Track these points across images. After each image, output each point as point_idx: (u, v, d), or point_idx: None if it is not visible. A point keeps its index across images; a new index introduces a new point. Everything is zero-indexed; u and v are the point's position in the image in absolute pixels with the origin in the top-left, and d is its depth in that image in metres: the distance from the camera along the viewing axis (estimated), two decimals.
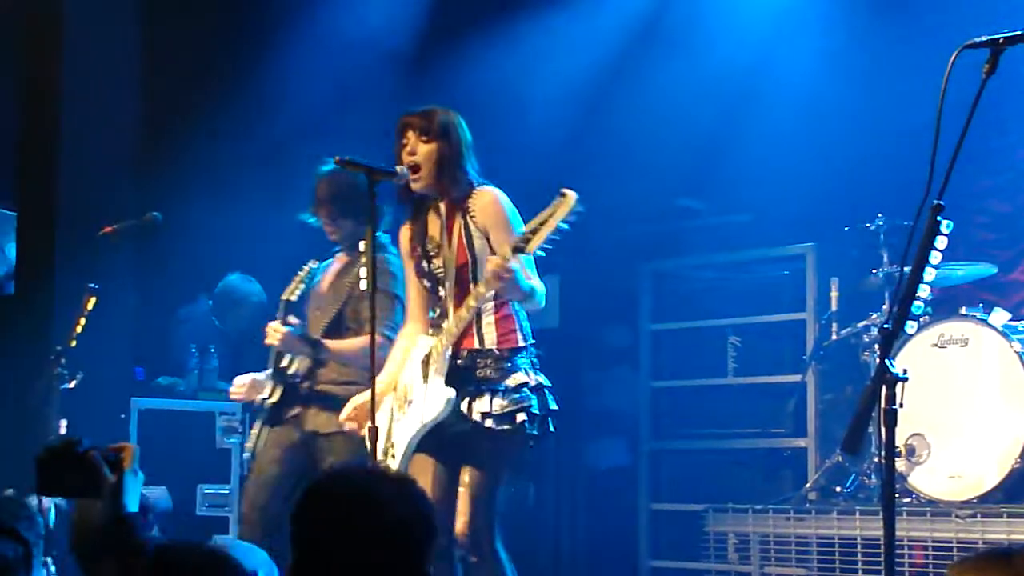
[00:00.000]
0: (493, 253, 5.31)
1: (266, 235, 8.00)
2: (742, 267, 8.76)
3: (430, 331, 5.54)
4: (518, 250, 5.02)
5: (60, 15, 8.02)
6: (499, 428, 5.30)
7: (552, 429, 5.42)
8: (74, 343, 6.68)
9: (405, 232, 5.69)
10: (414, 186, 5.51)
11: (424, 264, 5.55)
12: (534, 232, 4.99)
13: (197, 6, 8.84)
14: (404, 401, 5.47)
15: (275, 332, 6.25)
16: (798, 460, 8.14)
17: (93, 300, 6.72)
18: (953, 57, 3.73)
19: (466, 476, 5.34)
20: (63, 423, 6.61)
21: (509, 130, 8.20)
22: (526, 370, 5.42)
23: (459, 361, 5.37)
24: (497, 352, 5.40)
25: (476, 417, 5.29)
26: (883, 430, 3.69)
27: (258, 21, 8.76)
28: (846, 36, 8.56)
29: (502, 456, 5.39)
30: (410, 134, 5.50)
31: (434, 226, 5.56)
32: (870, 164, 8.32)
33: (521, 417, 5.32)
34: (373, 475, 2.76)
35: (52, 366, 6.64)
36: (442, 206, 5.53)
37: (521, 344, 5.45)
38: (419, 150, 5.47)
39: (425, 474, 5.37)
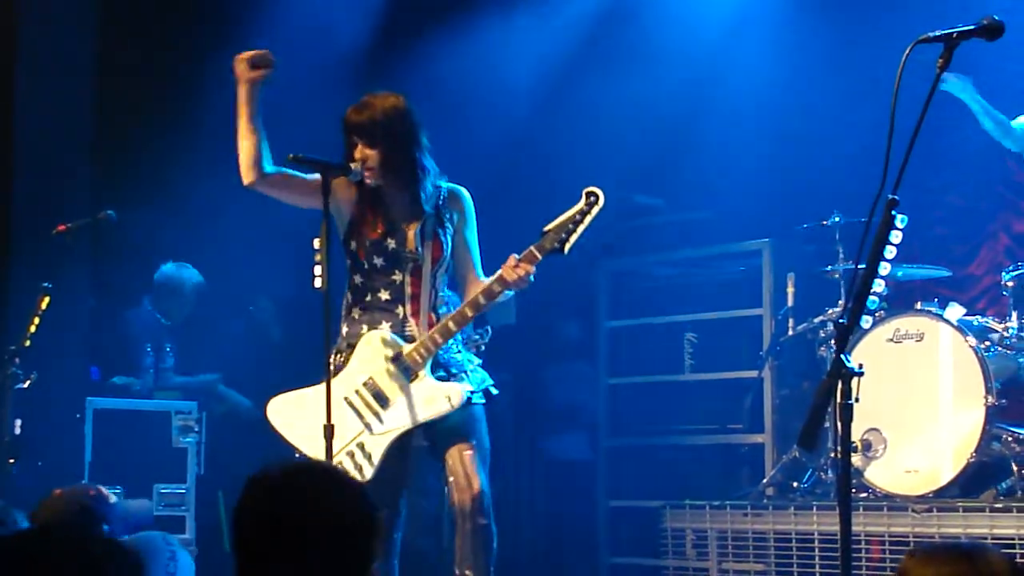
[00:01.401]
0: (456, 249, 5.43)
1: (221, 232, 7.96)
2: (699, 263, 8.77)
3: (380, 316, 5.47)
4: (553, 252, 5.12)
5: (13, 15, 7.94)
6: (479, 402, 5.47)
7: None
8: (28, 343, 6.62)
9: (349, 190, 5.57)
10: (369, 183, 5.48)
11: (386, 242, 5.49)
12: (568, 232, 5.09)
13: (151, 4, 8.78)
14: (376, 402, 5.41)
15: None
16: (755, 456, 8.16)
17: (47, 299, 6.66)
18: (907, 52, 3.73)
19: (467, 448, 5.37)
20: (18, 423, 6.55)
21: (465, 126, 8.19)
22: (481, 365, 5.62)
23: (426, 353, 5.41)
24: (460, 348, 5.57)
25: (459, 402, 5.37)
26: (839, 425, 3.69)
27: (212, 18, 8.70)
28: (800, 34, 8.59)
29: (484, 424, 5.47)
30: (354, 139, 5.47)
31: (399, 211, 5.50)
32: (826, 161, 8.35)
33: (494, 391, 5.54)
34: (312, 472, 2.68)
35: (6, 366, 6.58)
36: (407, 197, 5.49)
37: (476, 336, 5.62)
38: (366, 154, 5.43)
39: (401, 462, 5.41)
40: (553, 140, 8.98)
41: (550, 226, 5.20)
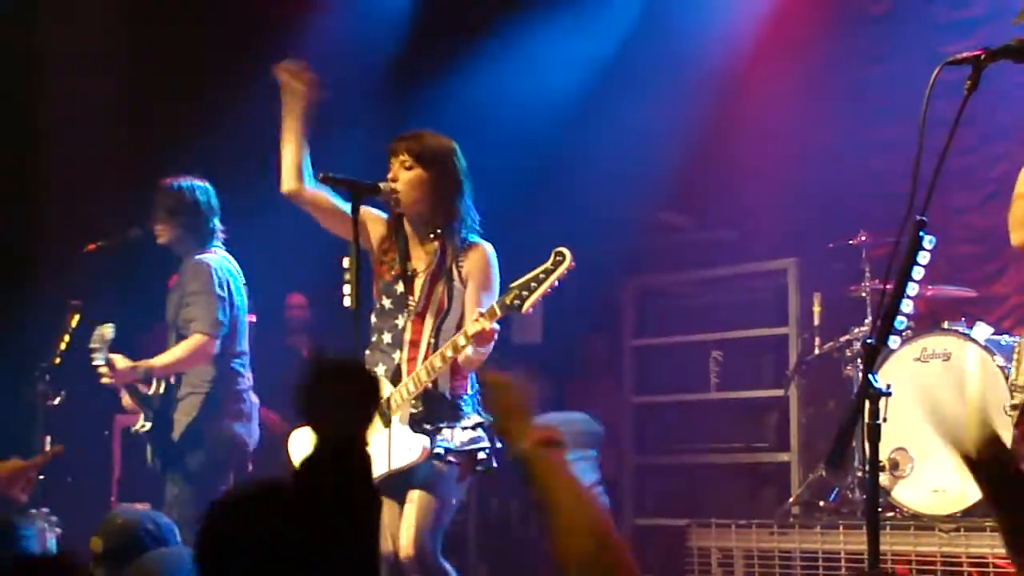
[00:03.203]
0: (464, 306, 5.37)
1: (252, 249, 8.00)
2: (725, 282, 8.77)
3: (379, 358, 5.46)
4: (511, 309, 5.04)
5: (43, 39, 8.03)
6: (457, 461, 5.37)
7: (495, 465, 5.47)
8: (58, 360, 6.66)
9: (380, 225, 5.61)
10: (396, 209, 5.49)
11: (396, 285, 5.50)
12: (529, 291, 5.02)
13: (183, 25, 8.85)
14: None
15: (105, 372, 6.38)
16: (781, 475, 8.15)
17: (77, 317, 6.71)
18: (935, 73, 3.75)
19: (414, 497, 5.33)
20: (47, 440, 6.59)
21: (491, 144, 8.21)
22: (477, 411, 5.46)
23: (413, 402, 5.34)
24: (449, 398, 5.42)
25: (438, 450, 5.32)
26: (866, 445, 3.70)
27: (250, 42, 8.78)
28: (829, 51, 8.60)
29: (452, 483, 5.40)
30: (393, 160, 5.49)
31: (418, 255, 5.50)
32: (853, 180, 8.35)
33: (481, 455, 5.41)
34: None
35: (36, 383, 6.62)
36: (433, 244, 5.48)
37: (470, 391, 5.48)
38: (400, 176, 5.45)
39: (386, 513, 5.35)
40: (580, 158, 9.00)
41: (516, 283, 5.13)
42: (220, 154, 8.29)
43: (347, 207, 5.36)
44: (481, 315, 5.09)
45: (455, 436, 5.36)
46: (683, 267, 8.97)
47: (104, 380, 6.32)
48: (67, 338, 6.68)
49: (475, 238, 5.46)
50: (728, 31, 8.78)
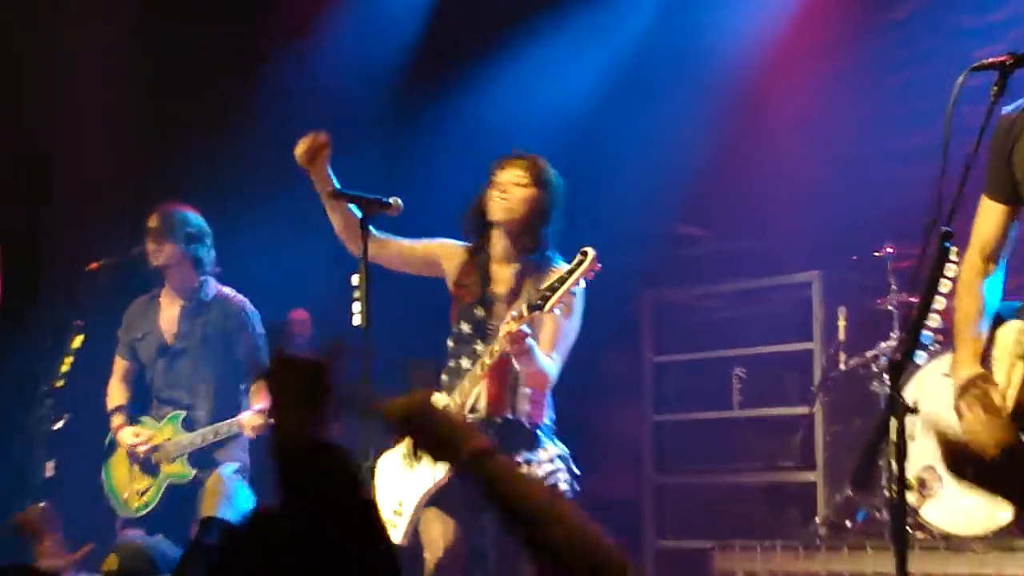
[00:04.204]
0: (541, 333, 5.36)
1: (258, 270, 8.02)
2: (746, 296, 8.76)
3: (456, 384, 5.43)
4: (535, 308, 5.03)
5: (47, 52, 8.07)
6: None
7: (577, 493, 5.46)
8: (61, 383, 6.67)
9: (458, 254, 5.65)
10: (497, 216, 5.51)
11: (476, 310, 5.50)
12: (552, 290, 5.01)
13: (189, 41, 8.88)
14: (412, 462, 5.45)
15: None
16: (806, 495, 8.13)
17: (80, 338, 6.72)
18: (961, 79, 3.74)
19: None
20: (50, 465, 6.60)
21: (505, 152, 8.22)
22: (554, 442, 5.46)
23: (489, 430, 5.29)
24: (528, 426, 5.41)
25: (444, 472, 5.28)
26: (893, 463, 3.68)
27: (246, 52, 8.82)
28: (852, 57, 8.59)
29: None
30: (500, 173, 5.53)
31: (499, 278, 5.52)
32: (878, 189, 8.33)
33: (563, 486, 5.35)
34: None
35: (38, 406, 6.63)
36: (513, 267, 5.50)
37: (547, 422, 5.48)
38: (511, 192, 5.48)
39: (436, 525, 5.36)
40: (595, 169, 8.98)
41: (543, 284, 5.13)
42: (220, 168, 8.33)
43: (418, 241, 5.57)
44: (513, 318, 5.08)
45: (533, 468, 5.31)
46: (703, 280, 8.95)
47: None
48: (69, 360, 6.69)
49: (560, 262, 5.43)
50: (747, 38, 8.78)
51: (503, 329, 5.10)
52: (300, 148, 5.49)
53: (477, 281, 5.54)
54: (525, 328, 5.06)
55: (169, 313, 6.88)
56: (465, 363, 5.45)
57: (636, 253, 9.08)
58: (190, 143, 8.57)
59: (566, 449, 5.50)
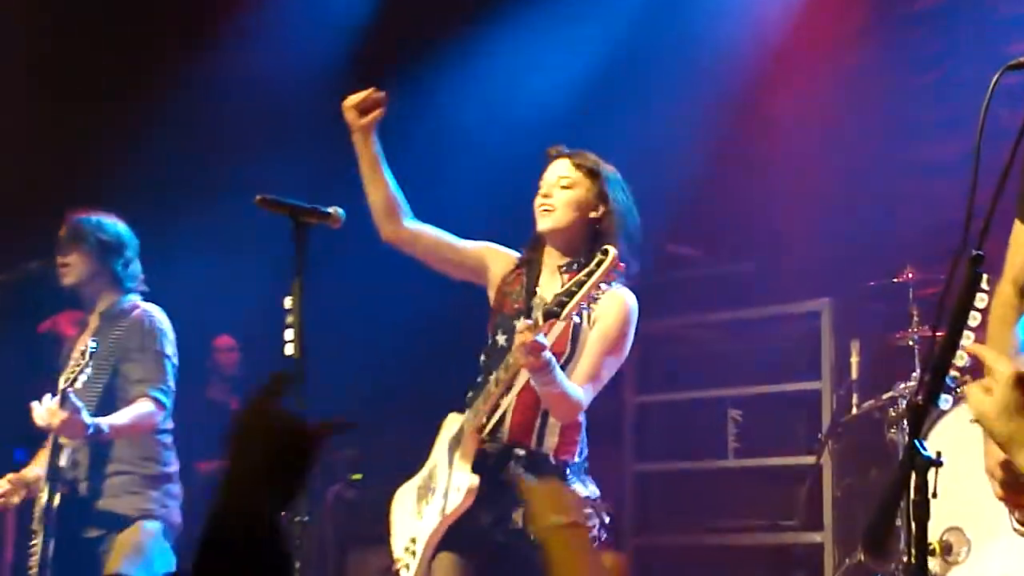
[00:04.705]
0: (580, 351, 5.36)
1: (174, 284, 8.01)
2: (744, 327, 8.77)
3: (468, 403, 5.44)
4: (551, 315, 4.99)
5: None
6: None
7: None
8: None
9: (505, 261, 5.66)
10: (540, 227, 5.51)
11: (517, 322, 5.38)
12: (570, 295, 4.98)
13: (105, 32, 8.90)
14: (428, 489, 5.47)
15: (53, 414, 6.33)
16: (812, 558, 8.15)
17: None
18: (996, 78, 3.72)
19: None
20: None
21: (466, 164, 8.21)
22: (584, 483, 5.44)
23: (511, 461, 5.32)
24: (553, 461, 5.38)
25: (461, 499, 5.28)
26: (913, 524, 3.66)
27: (172, 43, 8.83)
28: (868, 55, 8.62)
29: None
30: (546, 174, 5.53)
31: (547, 288, 5.47)
32: (898, 206, 8.35)
33: (593, 532, 5.31)
34: None
35: None
36: (567, 276, 5.41)
37: (578, 460, 5.46)
38: (559, 197, 5.48)
39: (448, 573, 5.37)
40: None
41: (561, 288, 5.12)
42: (135, 182, 8.31)
43: (470, 245, 5.60)
44: (527, 326, 5.04)
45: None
46: (694, 308, 8.96)
47: (45, 423, 6.33)
48: None
49: (619, 283, 5.38)
50: (751, 27, 8.80)
51: (517, 339, 5.05)
52: (352, 101, 5.52)
53: (522, 290, 5.54)
54: (541, 338, 5.01)
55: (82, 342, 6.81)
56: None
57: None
58: (105, 147, 8.56)
59: (597, 491, 5.50)
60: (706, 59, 8.71)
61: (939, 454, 3.64)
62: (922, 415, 3.67)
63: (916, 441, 3.62)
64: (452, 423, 5.50)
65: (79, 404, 6.30)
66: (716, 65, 8.70)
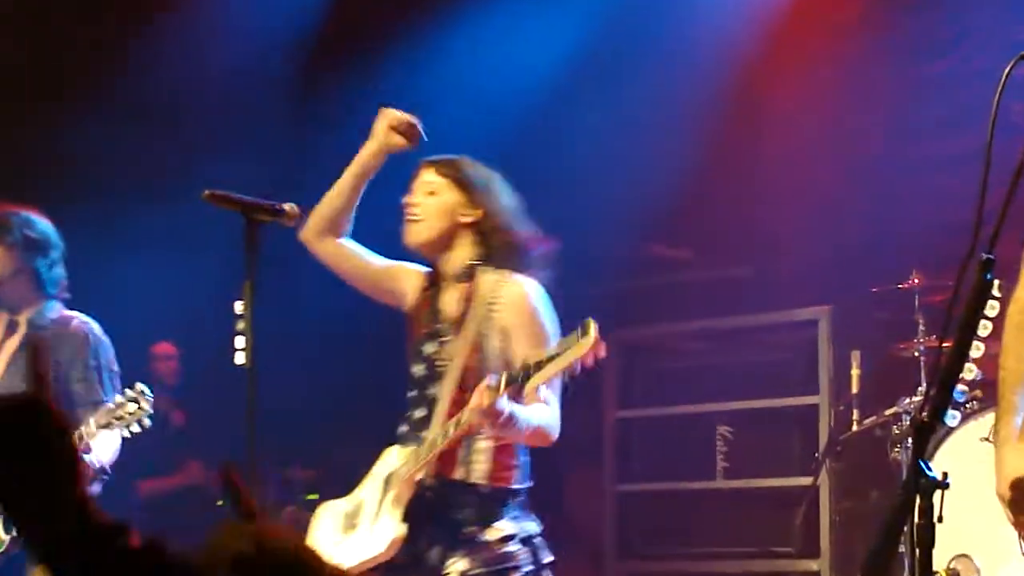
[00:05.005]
0: (507, 363, 5.29)
1: (121, 289, 8.02)
2: (736, 336, 8.78)
3: (412, 442, 5.41)
4: (513, 382, 4.97)
5: None
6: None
7: None
8: None
9: (417, 276, 5.68)
10: (407, 241, 5.54)
11: (427, 345, 5.49)
12: (539, 367, 4.98)
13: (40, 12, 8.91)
14: (351, 523, 5.46)
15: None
16: None
17: None
18: (1009, 67, 3.74)
19: None
20: None
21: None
22: (514, 517, 5.38)
23: (429, 493, 5.31)
24: (483, 491, 5.35)
25: (383, 550, 5.27)
26: (917, 551, 3.68)
27: (114, 25, 8.84)
28: (873, 41, 8.64)
29: None
30: (413, 185, 5.56)
31: (450, 302, 5.53)
32: (903, 206, 8.37)
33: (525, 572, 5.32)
34: None
35: None
36: (464, 286, 5.49)
37: (516, 486, 5.43)
38: (421, 201, 5.52)
39: None
40: (549, 172, 8.98)
41: (534, 357, 5.07)
42: (65, 178, 8.31)
43: (377, 261, 5.63)
44: (488, 387, 5.02)
45: (473, 560, 5.26)
46: (681, 316, 8.97)
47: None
48: None
49: (512, 276, 5.44)
50: (742, 17, 8.82)
51: (473, 401, 5.03)
52: (396, 116, 5.65)
53: (428, 311, 5.57)
54: (503, 404, 5.00)
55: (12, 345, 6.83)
56: (418, 413, 5.45)
57: (598, 280, 9.10)
58: (36, 139, 8.56)
59: (537, 527, 5.46)
60: (697, 47, 8.73)
61: (945, 475, 3.66)
62: (928, 433, 3.69)
63: (921, 461, 3.64)
64: (389, 457, 5.49)
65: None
66: (707, 53, 8.71)
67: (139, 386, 6.43)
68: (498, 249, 5.52)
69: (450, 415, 5.30)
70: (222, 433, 5.88)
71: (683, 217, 9.07)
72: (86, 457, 6.52)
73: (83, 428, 6.43)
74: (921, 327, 7.53)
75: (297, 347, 7.37)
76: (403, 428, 5.50)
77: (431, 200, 5.52)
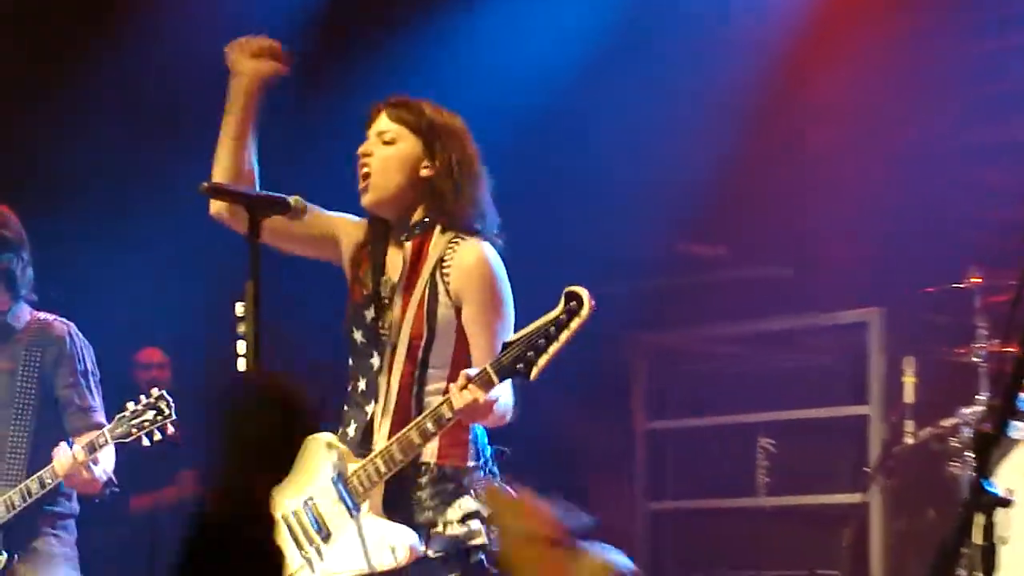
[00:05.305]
0: (460, 334, 5.32)
1: (103, 289, 8.05)
2: (778, 341, 8.79)
3: (352, 415, 5.46)
4: (516, 374, 4.99)
5: None
6: (441, 557, 5.28)
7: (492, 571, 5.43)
8: None
9: (358, 231, 5.60)
10: (362, 202, 5.45)
11: (367, 311, 5.46)
12: (536, 350, 4.99)
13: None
14: (316, 533, 5.45)
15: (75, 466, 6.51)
16: None
17: None
18: None
19: None
20: None
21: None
22: (472, 489, 5.36)
23: (404, 480, 5.29)
24: (437, 470, 5.35)
25: (406, 559, 5.24)
26: (978, 574, 3.69)
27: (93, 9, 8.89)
28: (922, 20, 8.63)
29: None
30: (371, 130, 5.48)
31: (394, 265, 5.48)
32: (960, 199, 8.36)
33: (475, 557, 5.29)
34: None
35: None
36: (409, 244, 5.50)
37: (472, 463, 5.39)
38: (376, 152, 5.46)
39: None
40: (574, 163, 9.00)
41: (515, 336, 5.08)
42: (49, 161, 8.35)
43: (313, 211, 5.41)
44: (470, 380, 5.04)
45: (431, 542, 5.28)
46: (718, 318, 8.98)
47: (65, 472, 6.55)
48: None
49: (462, 237, 5.39)
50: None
51: (459, 397, 5.03)
52: (248, 43, 5.57)
53: (369, 271, 5.54)
54: (494, 396, 5.00)
55: None
56: (361, 385, 5.45)
57: (626, 280, 9.09)
58: (9, 128, 8.61)
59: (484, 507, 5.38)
60: (735, 33, 8.72)
61: (1010, 492, 3.67)
62: (990, 446, 3.69)
63: (982, 477, 3.65)
64: (317, 447, 5.44)
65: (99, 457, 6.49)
66: (746, 39, 8.70)
67: (155, 391, 6.48)
68: (454, 206, 5.41)
69: (401, 393, 5.32)
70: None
71: (718, 211, 9.06)
72: (95, 469, 6.59)
73: (97, 437, 6.51)
74: (981, 330, 7.52)
75: (304, 351, 7.34)
76: (346, 407, 5.49)
77: (388, 151, 5.41)
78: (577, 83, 8.86)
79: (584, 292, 4.95)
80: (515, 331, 5.10)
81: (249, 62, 5.55)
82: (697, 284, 9.21)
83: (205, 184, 5.30)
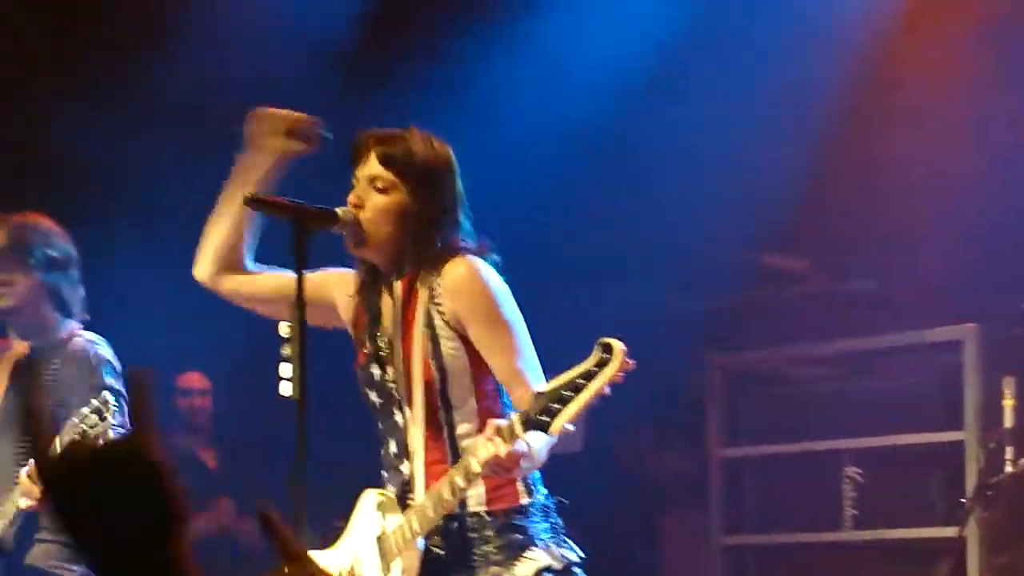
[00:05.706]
0: (474, 360, 5.36)
1: (139, 306, 8.12)
2: (865, 361, 8.79)
3: (391, 478, 5.47)
4: (534, 426, 4.98)
5: None
6: None
7: None
8: None
9: (346, 287, 5.60)
10: (351, 249, 5.45)
11: (373, 368, 5.49)
12: (562, 402, 4.97)
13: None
14: None
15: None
16: None
17: None
18: None
19: None
20: None
21: (502, 167, 8.25)
22: (541, 540, 5.34)
23: (433, 545, 5.32)
24: (488, 517, 5.35)
25: None
26: None
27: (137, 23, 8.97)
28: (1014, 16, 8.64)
29: None
30: (360, 171, 5.44)
31: (388, 312, 5.51)
32: None
33: None
34: None
35: None
36: (398, 285, 5.50)
37: (525, 500, 5.38)
38: (369, 201, 5.43)
39: None
40: (641, 171, 9.02)
41: (547, 386, 5.03)
42: (87, 177, 8.42)
43: (282, 273, 5.45)
44: (498, 432, 5.00)
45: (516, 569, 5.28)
46: (798, 337, 8.98)
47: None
48: None
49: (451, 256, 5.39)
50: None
51: (484, 451, 5.01)
52: (283, 116, 5.55)
53: (366, 328, 5.54)
54: (520, 447, 4.96)
55: (4, 373, 6.89)
56: (392, 447, 5.46)
57: (700, 297, 9.12)
58: (58, 145, 8.70)
59: (576, 556, 5.40)
60: (817, 31, 8.72)
61: None
62: None
63: None
64: (368, 506, 5.47)
65: None
66: (829, 37, 8.71)
67: (104, 395, 6.38)
68: (441, 240, 5.39)
69: (429, 443, 5.34)
70: (263, 476, 5.91)
71: (799, 222, 9.08)
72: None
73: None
74: None
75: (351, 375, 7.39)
76: (385, 472, 5.50)
77: (381, 201, 5.37)
78: (651, 89, 8.89)
79: (617, 344, 4.90)
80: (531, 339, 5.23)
81: (275, 139, 5.55)
82: (777, 299, 9.23)
83: (249, 195, 5.35)
